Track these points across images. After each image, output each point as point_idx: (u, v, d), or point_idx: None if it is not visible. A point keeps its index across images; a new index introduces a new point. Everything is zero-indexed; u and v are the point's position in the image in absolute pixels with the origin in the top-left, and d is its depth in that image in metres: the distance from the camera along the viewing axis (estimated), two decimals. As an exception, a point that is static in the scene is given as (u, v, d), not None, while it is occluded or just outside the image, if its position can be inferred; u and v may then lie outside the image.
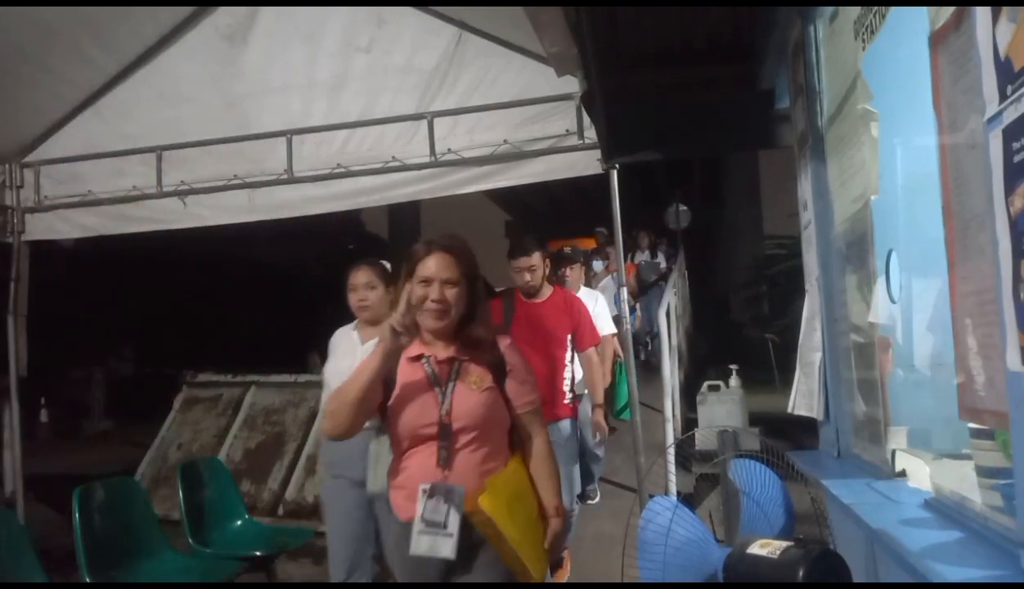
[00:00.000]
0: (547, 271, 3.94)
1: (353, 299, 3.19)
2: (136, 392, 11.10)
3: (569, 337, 3.84)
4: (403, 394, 2.03)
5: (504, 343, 2.12)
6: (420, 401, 2.01)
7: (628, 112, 3.63)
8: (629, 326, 4.41)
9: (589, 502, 5.15)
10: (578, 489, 4.11)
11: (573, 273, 5.25)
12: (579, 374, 3.99)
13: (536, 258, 3.81)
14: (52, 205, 4.81)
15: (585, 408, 4.23)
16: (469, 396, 2.01)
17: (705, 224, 15.17)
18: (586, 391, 4.17)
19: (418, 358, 2.06)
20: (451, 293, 2.01)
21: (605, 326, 4.75)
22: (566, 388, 3.81)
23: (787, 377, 3.22)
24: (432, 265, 2.02)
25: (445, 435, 1.98)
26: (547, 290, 3.91)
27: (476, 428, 2.00)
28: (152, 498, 4.49)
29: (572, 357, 3.86)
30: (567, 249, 5.09)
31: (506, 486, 2.02)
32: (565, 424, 3.79)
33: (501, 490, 2.00)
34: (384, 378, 2.02)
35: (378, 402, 2.02)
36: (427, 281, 2.01)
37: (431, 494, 1.95)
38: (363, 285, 3.16)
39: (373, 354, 1.96)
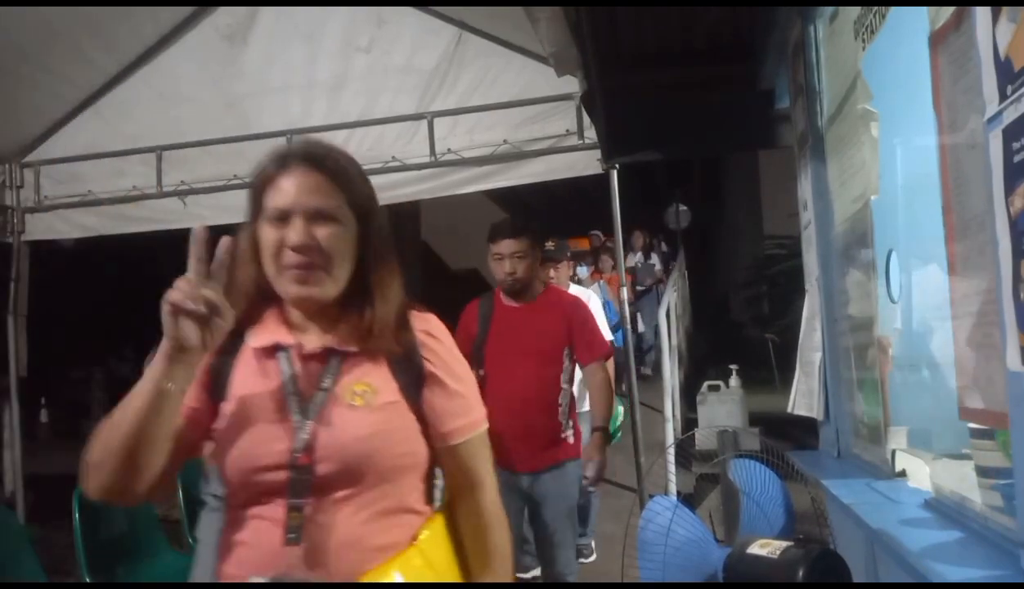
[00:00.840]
0: (538, 264, 3.10)
1: None
2: (136, 392, 11.09)
3: (566, 351, 2.97)
4: (237, 411, 1.20)
5: (422, 326, 1.29)
6: (261, 425, 1.18)
7: (628, 112, 3.62)
8: (630, 328, 4.38)
9: (582, 560, 4.28)
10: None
11: (559, 273, 4.49)
12: (579, 399, 3.16)
13: (524, 244, 2.92)
14: (52, 205, 4.82)
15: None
16: (348, 418, 1.18)
17: (705, 224, 15.17)
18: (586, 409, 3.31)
19: (272, 350, 1.23)
20: (325, 234, 1.18)
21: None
22: (562, 418, 2.94)
23: (787, 377, 3.22)
24: (290, 188, 1.19)
25: (300, 487, 1.15)
26: (537, 289, 3.06)
27: (359, 476, 1.17)
28: (152, 498, 4.48)
29: (571, 377, 3.00)
30: (550, 245, 4.20)
31: (408, 576, 1.17)
32: (567, 470, 2.93)
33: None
34: (207, 385, 1.22)
35: (188, 436, 1.20)
36: (282, 215, 1.18)
37: None
38: None
39: (153, 362, 1.11)
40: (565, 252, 4.78)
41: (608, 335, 4.25)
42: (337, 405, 1.19)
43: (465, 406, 1.30)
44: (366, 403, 1.20)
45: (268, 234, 1.20)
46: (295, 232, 1.17)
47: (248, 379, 1.23)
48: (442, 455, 1.29)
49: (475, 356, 2.94)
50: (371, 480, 1.18)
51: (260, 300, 1.26)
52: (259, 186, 1.23)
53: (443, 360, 1.28)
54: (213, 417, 1.23)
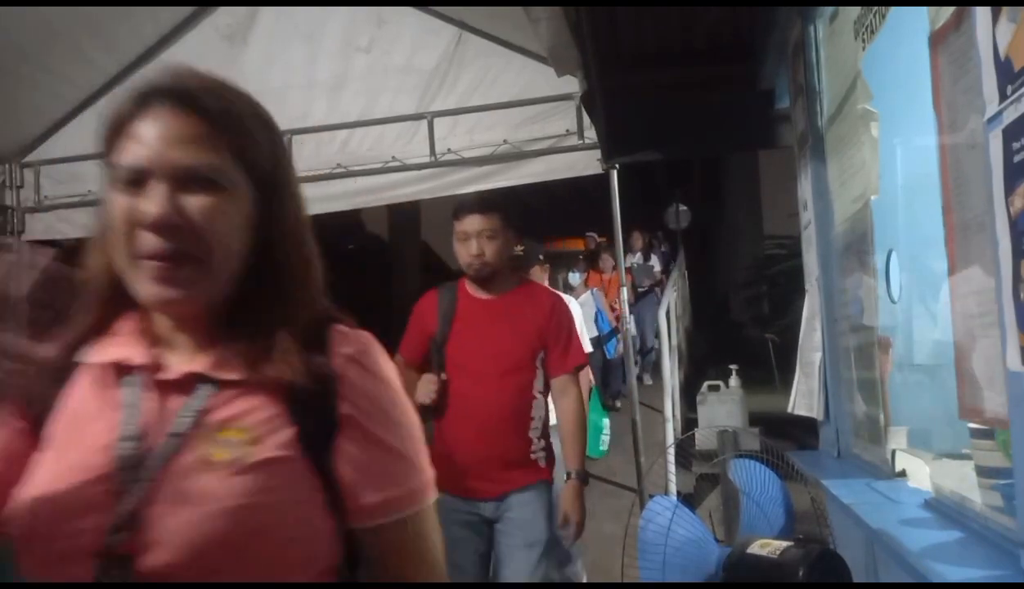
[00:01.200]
0: (511, 248, 2.66)
1: None
2: (136, 392, 11.08)
3: (540, 355, 2.55)
4: (48, 460, 0.81)
5: (345, 347, 0.86)
6: (73, 485, 0.77)
7: (628, 112, 3.63)
8: (631, 328, 4.38)
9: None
10: None
11: (531, 278, 3.86)
12: (554, 414, 2.65)
13: (494, 222, 2.49)
14: (52, 205, 4.82)
15: (559, 472, 2.65)
16: (204, 482, 0.75)
17: (705, 224, 15.18)
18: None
19: (115, 372, 0.84)
20: (200, 206, 0.79)
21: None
22: (534, 434, 2.52)
23: (787, 377, 3.22)
24: (149, 138, 0.80)
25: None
26: (510, 280, 2.63)
27: (211, 575, 0.74)
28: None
29: (544, 386, 2.57)
30: (518, 249, 3.59)
31: None
32: (531, 495, 2.49)
33: None
34: (26, 417, 0.85)
35: None
36: (136, 178, 0.79)
37: None
38: None
39: None
40: (536, 256, 4.45)
41: (588, 346, 4.07)
42: (190, 460, 0.76)
43: (401, 468, 0.85)
44: (235, 458, 0.76)
45: (117, 205, 0.79)
46: (153, 202, 0.77)
47: (75, 413, 0.82)
48: (365, 539, 0.84)
49: (435, 356, 2.56)
50: (235, 580, 0.74)
51: (113, 300, 0.85)
52: (109, 135, 0.82)
53: (371, 399, 0.84)
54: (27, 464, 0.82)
